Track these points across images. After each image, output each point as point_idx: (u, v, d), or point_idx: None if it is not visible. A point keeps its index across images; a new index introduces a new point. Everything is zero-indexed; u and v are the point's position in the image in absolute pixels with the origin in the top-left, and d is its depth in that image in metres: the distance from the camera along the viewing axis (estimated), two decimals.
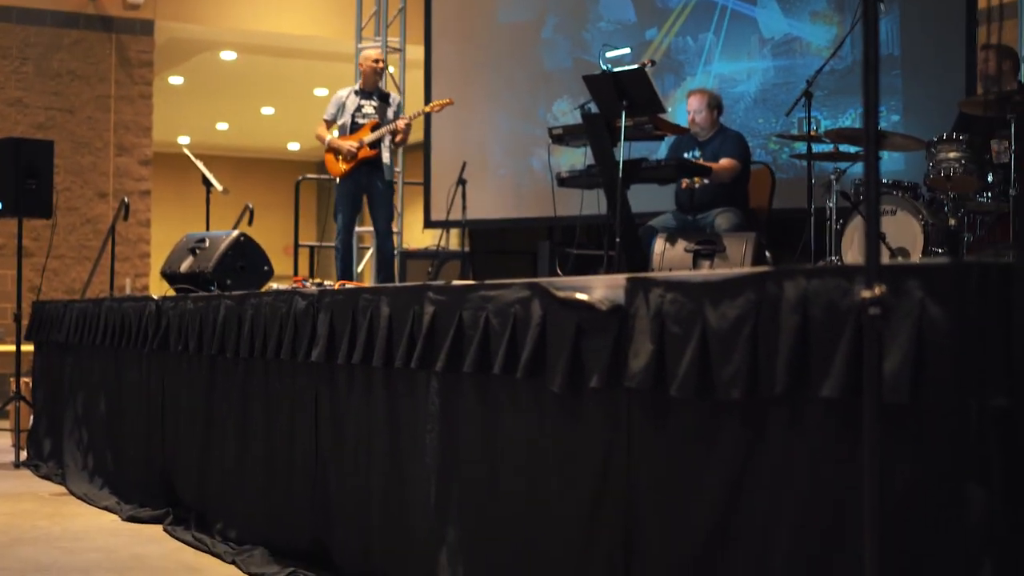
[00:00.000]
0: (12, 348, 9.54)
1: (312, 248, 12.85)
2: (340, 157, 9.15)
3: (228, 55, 17.01)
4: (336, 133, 9.26)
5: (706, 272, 3.27)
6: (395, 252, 10.43)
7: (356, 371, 4.89)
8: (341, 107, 9.29)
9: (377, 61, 9.33)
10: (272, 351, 5.45)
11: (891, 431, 2.67)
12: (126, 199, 10.37)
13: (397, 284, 6.37)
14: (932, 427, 2.65)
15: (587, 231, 9.42)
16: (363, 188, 9.27)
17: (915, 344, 2.64)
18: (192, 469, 6.41)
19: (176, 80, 18.47)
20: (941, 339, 2.61)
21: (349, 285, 5.86)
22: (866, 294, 2.44)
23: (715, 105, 7.91)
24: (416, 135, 11.26)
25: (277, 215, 19.39)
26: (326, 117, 9.36)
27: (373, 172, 9.17)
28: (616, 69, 7.08)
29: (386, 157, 9.19)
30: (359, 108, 9.25)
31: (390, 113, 9.21)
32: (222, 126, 22.64)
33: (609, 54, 7.39)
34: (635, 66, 7.16)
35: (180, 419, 6.58)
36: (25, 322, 9.12)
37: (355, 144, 9.04)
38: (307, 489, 5.22)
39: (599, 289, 3.59)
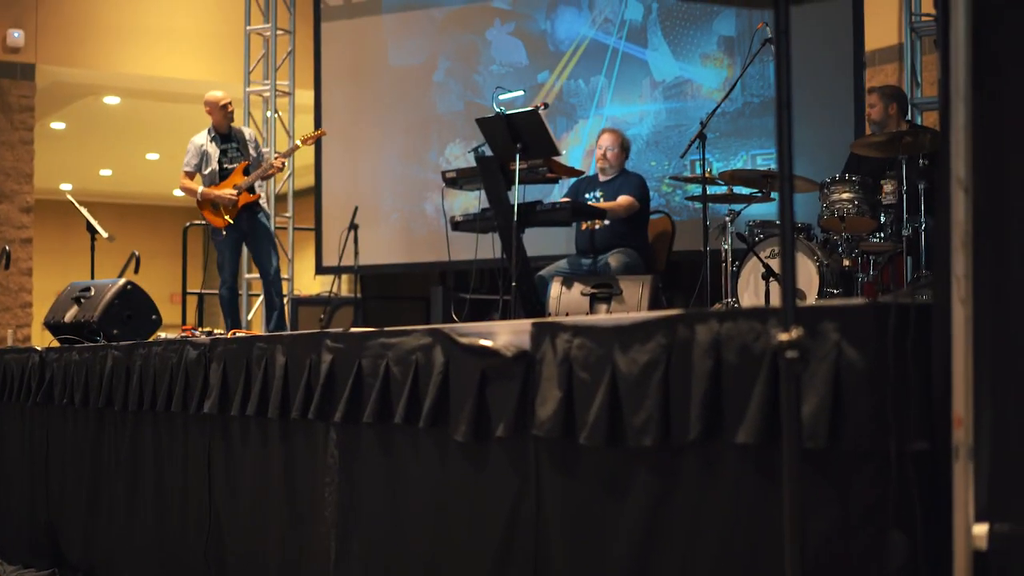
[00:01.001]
0: None
1: (200, 295, 12.60)
2: (222, 208, 8.88)
3: (112, 100, 16.71)
4: (207, 183, 8.98)
5: (616, 316, 3.20)
6: (285, 297, 10.24)
7: (251, 423, 4.73)
8: (204, 156, 8.98)
9: (224, 103, 9.04)
10: (162, 403, 5.27)
11: (809, 476, 2.61)
12: (7, 247, 10.06)
13: (293, 332, 6.21)
14: (851, 472, 2.59)
15: (481, 275, 9.35)
16: (245, 233, 9.02)
17: (832, 388, 2.59)
18: (79, 526, 6.17)
19: (58, 125, 18.11)
20: (859, 382, 2.56)
21: (241, 333, 5.70)
22: (783, 337, 2.38)
23: (625, 147, 7.90)
24: (307, 179, 11.13)
25: (163, 262, 19.02)
26: (187, 168, 9.00)
27: (253, 216, 8.95)
28: (509, 112, 7.02)
29: (262, 196, 9.01)
30: (224, 153, 8.96)
31: (251, 149, 9.00)
32: (106, 172, 22.22)
33: (502, 96, 7.32)
34: (528, 108, 7.11)
35: (66, 475, 6.35)
36: None
37: (233, 192, 8.79)
38: (201, 546, 5.04)
39: (503, 335, 3.50)
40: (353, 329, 4.20)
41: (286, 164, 8.99)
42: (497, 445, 3.49)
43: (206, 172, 8.95)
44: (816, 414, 2.58)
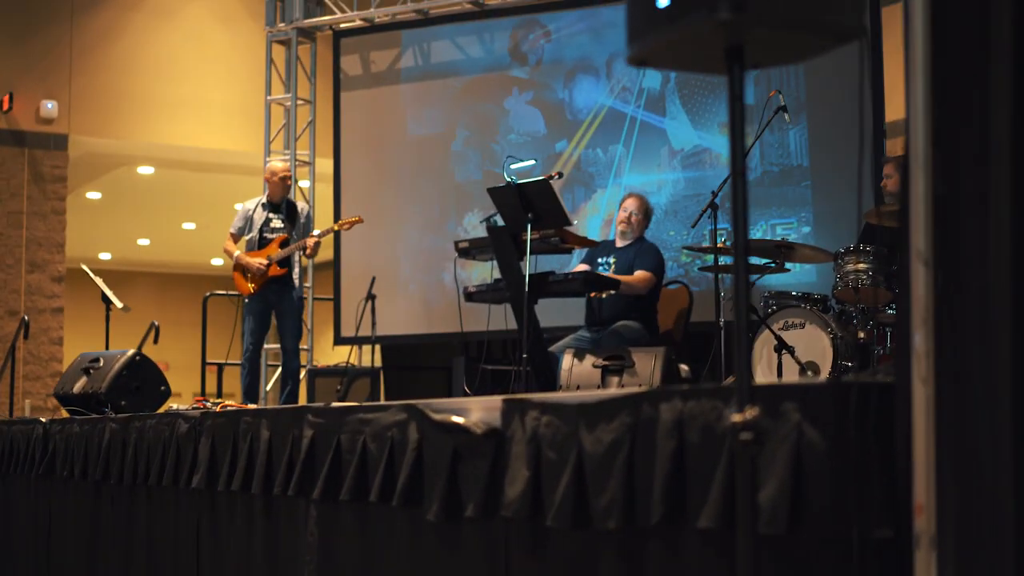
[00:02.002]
0: None
1: (219, 366, 12.55)
2: (249, 275, 8.88)
3: (146, 170, 16.82)
4: (246, 248, 9.00)
5: (581, 394, 3.10)
6: (303, 369, 10.17)
7: (237, 498, 4.65)
8: (249, 221, 8.99)
9: (283, 174, 9.06)
10: (155, 477, 5.20)
11: (769, 564, 2.49)
12: (26, 317, 10.08)
13: (278, 407, 6.14)
14: (812, 560, 2.47)
15: (503, 346, 9.25)
16: (272, 305, 9.00)
17: (792, 471, 2.47)
18: None
19: (94, 195, 18.23)
20: (820, 465, 2.44)
21: (231, 406, 5.63)
22: (736, 418, 2.27)
23: (648, 214, 7.81)
24: (326, 251, 11.09)
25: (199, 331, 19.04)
26: (233, 231, 9.07)
27: (282, 289, 8.91)
28: (520, 181, 6.95)
29: (295, 273, 8.97)
30: (267, 222, 8.96)
31: (299, 226, 8.97)
32: (143, 241, 22.37)
33: (514, 166, 7.26)
34: (540, 178, 7.03)
35: (67, 547, 6.27)
36: None
37: (264, 261, 8.77)
38: None
39: (476, 411, 3.40)
40: (334, 404, 4.11)
41: (319, 244, 8.93)
42: (468, 525, 3.38)
43: (248, 237, 8.96)
44: (776, 498, 2.46)
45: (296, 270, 8.97)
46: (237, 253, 8.91)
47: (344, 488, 3.86)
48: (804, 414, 2.48)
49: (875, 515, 2.38)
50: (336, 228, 9.31)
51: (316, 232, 8.96)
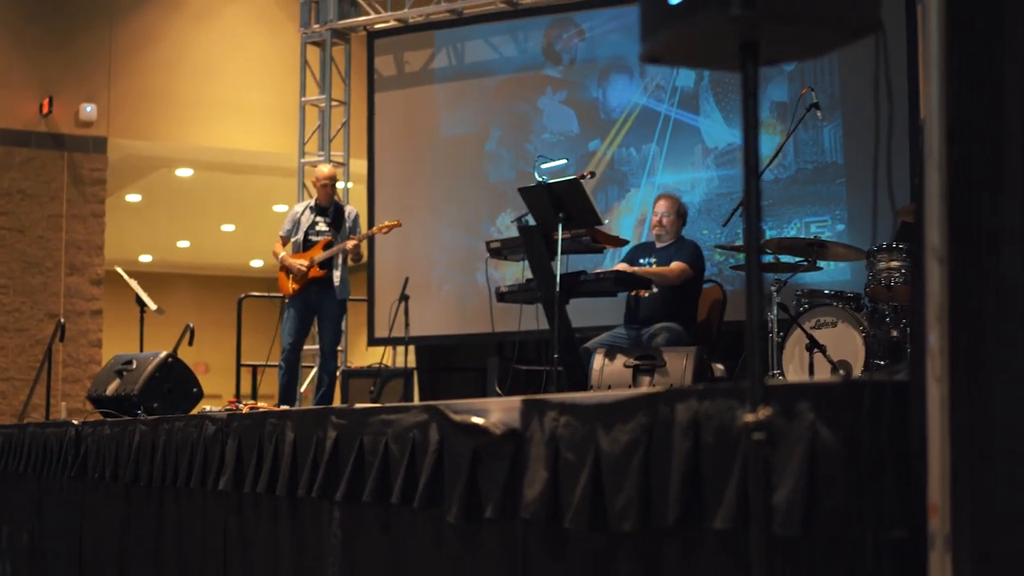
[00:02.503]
0: None
1: (254, 367, 12.58)
2: (291, 276, 8.96)
3: (184, 172, 16.89)
4: (292, 250, 9.07)
5: (599, 394, 3.08)
6: (339, 369, 10.20)
7: (262, 500, 4.65)
8: (296, 223, 9.10)
9: (325, 179, 9.14)
10: (183, 479, 5.21)
11: (784, 565, 2.46)
12: (62, 320, 10.14)
13: (303, 408, 6.16)
14: (827, 561, 2.44)
15: (538, 346, 9.22)
16: (312, 307, 9.06)
17: (807, 472, 2.44)
18: None
19: (134, 198, 18.33)
20: (834, 466, 2.41)
21: (261, 407, 5.64)
22: (749, 418, 2.24)
23: (682, 213, 7.74)
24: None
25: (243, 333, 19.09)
26: (282, 233, 9.17)
27: (323, 292, 8.97)
28: (551, 181, 6.93)
29: (337, 276, 8.98)
30: (313, 225, 9.05)
31: (345, 229, 9.03)
32: (183, 243, 22.47)
33: (545, 165, 7.24)
34: (570, 177, 7.01)
35: (99, 549, 6.30)
36: None
37: (305, 263, 8.84)
38: None
39: (496, 412, 3.39)
40: (357, 406, 4.11)
41: (359, 245, 8.98)
42: (488, 527, 3.37)
43: (294, 239, 9.04)
44: (790, 500, 2.43)
45: (339, 272, 8.98)
46: (282, 254, 9.00)
47: (367, 490, 3.86)
48: (818, 414, 2.45)
49: (890, 515, 2.35)
50: (375, 231, 9.36)
51: (356, 235, 9.00)
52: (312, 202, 9.20)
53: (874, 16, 2.24)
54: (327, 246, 8.92)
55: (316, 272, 8.86)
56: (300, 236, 9.01)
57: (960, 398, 2.24)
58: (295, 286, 8.93)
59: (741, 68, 2.36)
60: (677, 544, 2.77)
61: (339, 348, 10.26)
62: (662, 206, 7.68)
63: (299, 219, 9.09)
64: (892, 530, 2.34)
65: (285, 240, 9.11)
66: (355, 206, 9.52)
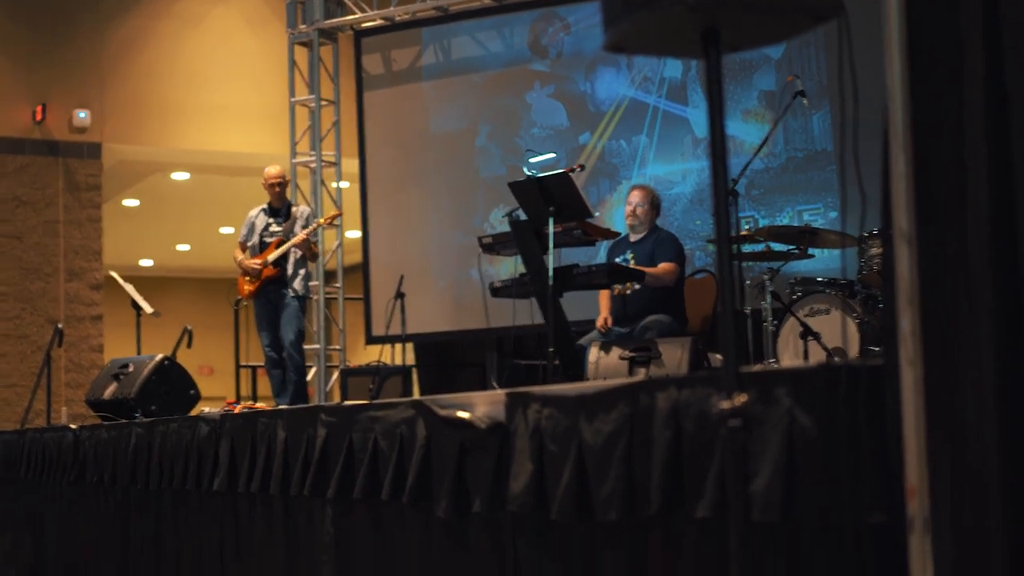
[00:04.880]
0: None
1: (253, 369, 12.62)
2: (247, 277, 9.01)
3: (180, 175, 16.90)
4: (250, 254, 9.08)
5: (581, 385, 3.08)
6: (336, 368, 10.19)
7: (256, 499, 4.66)
8: (251, 227, 9.16)
9: (272, 180, 9.15)
10: (179, 481, 5.22)
11: (765, 551, 2.47)
12: (60, 326, 10.14)
13: (293, 407, 6.15)
14: (807, 547, 2.44)
15: (536, 341, 9.21)
16: (273, 305, 9.08)
17: (786, 457, 2.45)
18: None
19: (131, 202, 18.32)
20: (812, 451, 2.42)
21: (256, 407, 5.65)
22: (725, 405, 2.24)
23: (655, 203, 7.73)
24: (355, 253, 11.11)
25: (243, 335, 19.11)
26: (240, 239, 9.21)
27: (279, 289, 9.01)
28: (541, 174, 6.93)
29: (290, 271, 9.00)
30: (267, 227, 9.10)
31: (297, 228, 9.04)
32: (183, 247, 22.47)
33: (534, 159, 7.25)
34: (559, 171, 7.01)
35: (99, 554, 6.31)
36: None
37: (259, 263, 8.90)
38: None
39: (481, 406, 3.39)
40: (346, 403, 4.12)
41: (309, 240, 8.98)
42: (476, 520, 3.38)
43: (251, 243, 9.05)
44: (768, 486, 2.44)
45: (292, 270, 8.99)
46: (240, 258, 9.04)
47: (357, 486, 3.87)
48: (795, 399, 2.46)
49: (869, 500, 2.36)
50: (317, 225, 9.33)
51: (303, 230, 9.00)
52: (265, 205, 9.21)
53: (835, 0, 2.25)
54: (279, 245, 8.94)
55: (270, 271, 8.91)
56: (256, 239, 9.05)
57: (934, 380, 2.25)
58: (250, 287, 8.97)
59: (704, 55, 2.35)
60: (661, 533, 2.78)
61: (336, 347, 10.25)
62: (635, 196, 7.68)
63: (254, 222, 9.14)
64: (871, 514, 2.35)
65: (243, 246, 9.14)
66: (349, 205, 9.53)
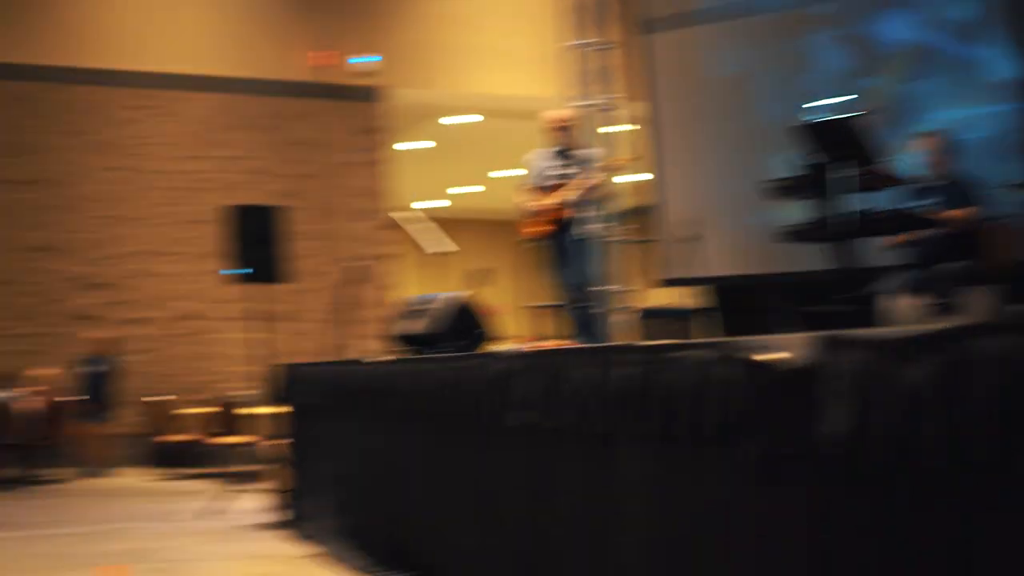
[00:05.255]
0: (268, 411, 9.70)
1: (543, 308, 12.85)
2: (535, 219, 9.12)
3: (473, 118, 17.15)
4: (537, 196, 9.22)
5: (900, 329, 3.09)
6: (629, 309, 10.25)
7: (555, 437, 4.75)
8: (538, 170, 9.26)
9: (557, 123, 9.22)
10: (489, 415, 5.32)
11: None
12: (364, 263, 10.54)
13: (590, 345, 6.25)
14: None
15: (827, 287, 9.14)
16: (563, 246, 9.17)
17: None
18: (434, 533, 6.27)
19: (422, 144, 18.70)
20: None
21: (553, 346, 5.78)
22: None
23: (948, 150, 7.56)
24: (637, 198, 11.16)
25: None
26: (527, 182, 9.33)
27: (564, 231, 9.09)
28: (826, 119, 6.85)
29: (579, 215, 9.07)
30: (554, 169, 9.20)
31: (581, 170, 9.10)
32: (477, 188, 22.88)
33: (817, 104, 7.16)
34: (847, 115, 6.92)
35: (420, 483, 6.47)
36: (275, 386, 9.27)
37: (546, 205, 9.00)
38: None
39: (789, 349, 3.42)
40: (645, 343, 4.20)
41: (597, 187, 9.05)
42: (787, 464, 3.40)
43: (538, 186, 9.18)
44: None
45: (580, 212, 9.06)
46: (527, 200, 9.16)
47: (661, 427, 3.92)
48: None
49: None
50: (606, 167, 9.36)
51: (591, 173, 9.07)
52: (551, 148, 9.27)
53: None
54: (567, 188, 9.01)
55: (558, 213, 8.98)
56: (543, 181, 9.13)
57: None
58: (539, 229, 9.05)
59: None
60: (990, 482, 2.75)
61: (633, 288, 10.27)
62: (928, 143, 7.54)
63: (540, 165, 9.21)
64: None
65: (530, 188, 9.23)
66: (635, 150, 9.57)
